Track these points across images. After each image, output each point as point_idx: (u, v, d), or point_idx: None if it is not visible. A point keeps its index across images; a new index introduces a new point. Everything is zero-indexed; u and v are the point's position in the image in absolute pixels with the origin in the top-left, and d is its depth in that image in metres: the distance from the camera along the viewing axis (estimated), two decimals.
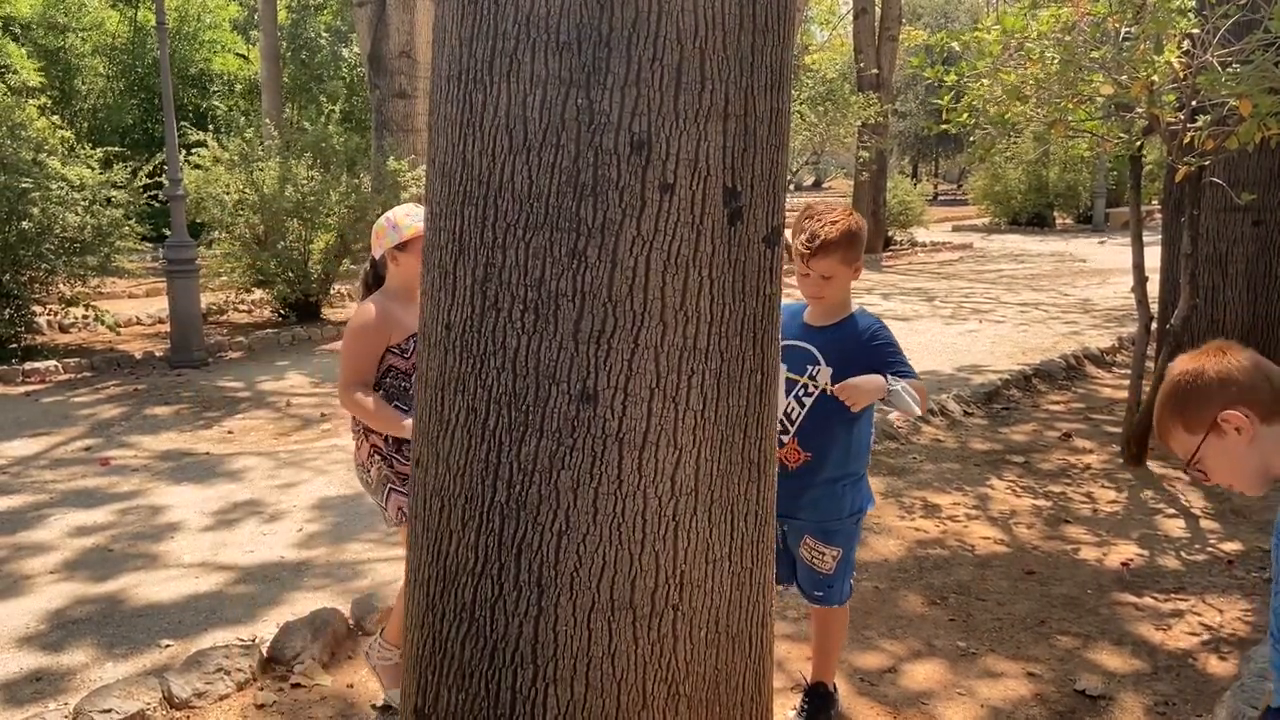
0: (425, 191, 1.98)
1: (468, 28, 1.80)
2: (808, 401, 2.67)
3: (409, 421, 2.72)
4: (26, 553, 4.50)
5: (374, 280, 3.03)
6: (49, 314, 9.84)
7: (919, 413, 2.46)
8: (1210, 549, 4.33)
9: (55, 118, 10.02)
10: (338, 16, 22.98)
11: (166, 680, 3.13)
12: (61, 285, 9.38)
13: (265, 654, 3.36)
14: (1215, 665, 3.32)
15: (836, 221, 2.64)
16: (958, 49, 5.61)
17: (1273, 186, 6.12)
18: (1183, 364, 1.80)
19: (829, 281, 2.68)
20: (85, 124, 18.60)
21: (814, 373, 2.66)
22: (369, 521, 4.87)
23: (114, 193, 9.53)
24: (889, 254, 19.61)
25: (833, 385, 2.58)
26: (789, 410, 2.68)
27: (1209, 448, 1.75)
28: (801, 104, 18.57)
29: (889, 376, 2.48)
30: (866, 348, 2.67)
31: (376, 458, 2.91)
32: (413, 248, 2.86)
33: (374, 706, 3.10)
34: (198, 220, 10.89)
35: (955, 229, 26.60)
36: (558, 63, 1.71)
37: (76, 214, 9.08)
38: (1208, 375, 1.75)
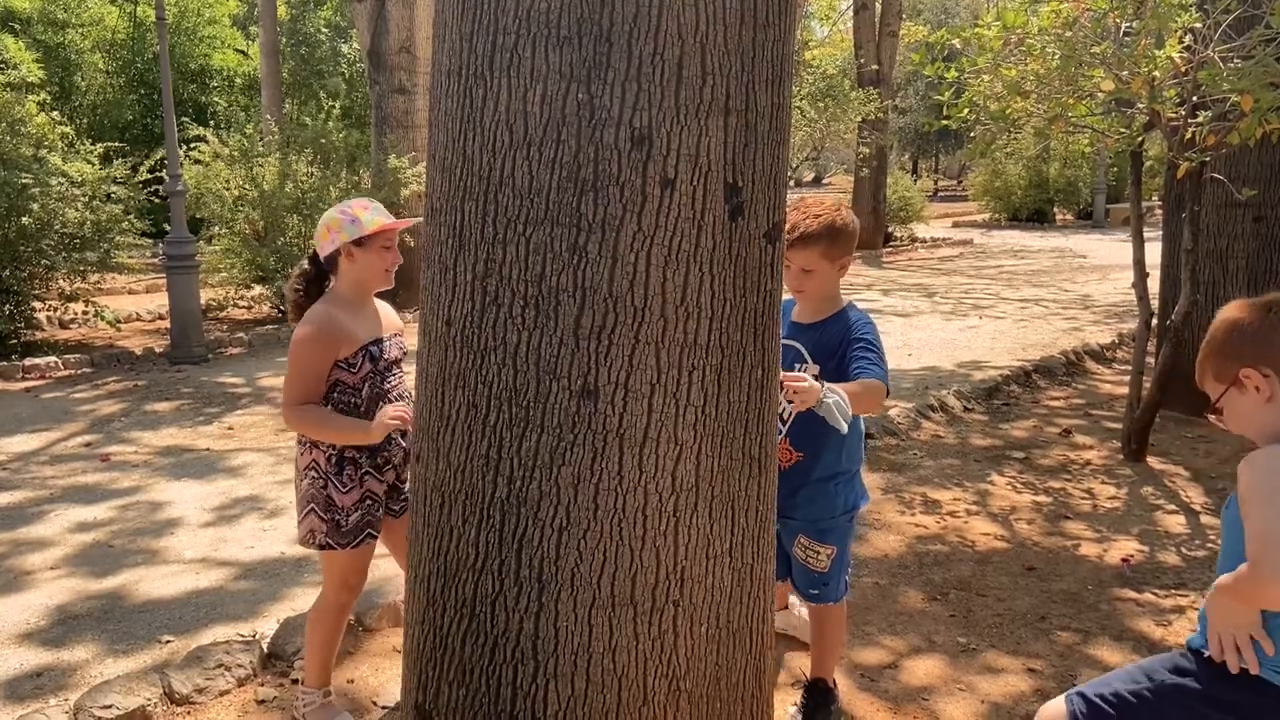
0: (425, 187, 1.98)
1: (468, 23, 1.79)
2: None
3: (372, 423, 2.61)
4: (27, 549, 4.50)
5: (316, 279, 2.80)
6: (49, 310, 9.84)
7: (843, 429, 2.39)
8: (1210, 545, 4.33)
9: (55, 113, 10.00)
10: (337, 12, 22.95)
11: (167, 676, 3.13)
12: (61, 281, 9.38)
13: (266, 650, 3.37)
14: None
15: (820, 215, 2.62)
16: (958, 45, 5.60)
17: (1274, 182, 6.11)
18: (1232, 310, 1.80)
19: (809, 276, 2.65)
20: (85, 120, 18.60)
21: (802, 370, 2.64)
22: None
23: (114, 188, 9.54)
24: (889, 250, 19.61)
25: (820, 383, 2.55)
26: (780, 410, 2.66)
27: (1230, 398, 1.79)
28: (802, 100, 18.56)
29: (826, 388, 2.42)
30: (846, 342, 2.63)
31: (311, 473, 2.73)
32: (372, 244, 2.67)
33: (374, 703, 3.10)
34: (198, 216, 10.89)
35: (955, 225, 26.61)
36: (558, 58, 1.71)
37: (76, 210, 9.08)
38: (1244, 329, 1.76)
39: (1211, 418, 1.86)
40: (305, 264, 2.83)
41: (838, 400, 2.37)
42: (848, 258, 2.71)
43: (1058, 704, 1.97)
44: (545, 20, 1.71)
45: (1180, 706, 1.80)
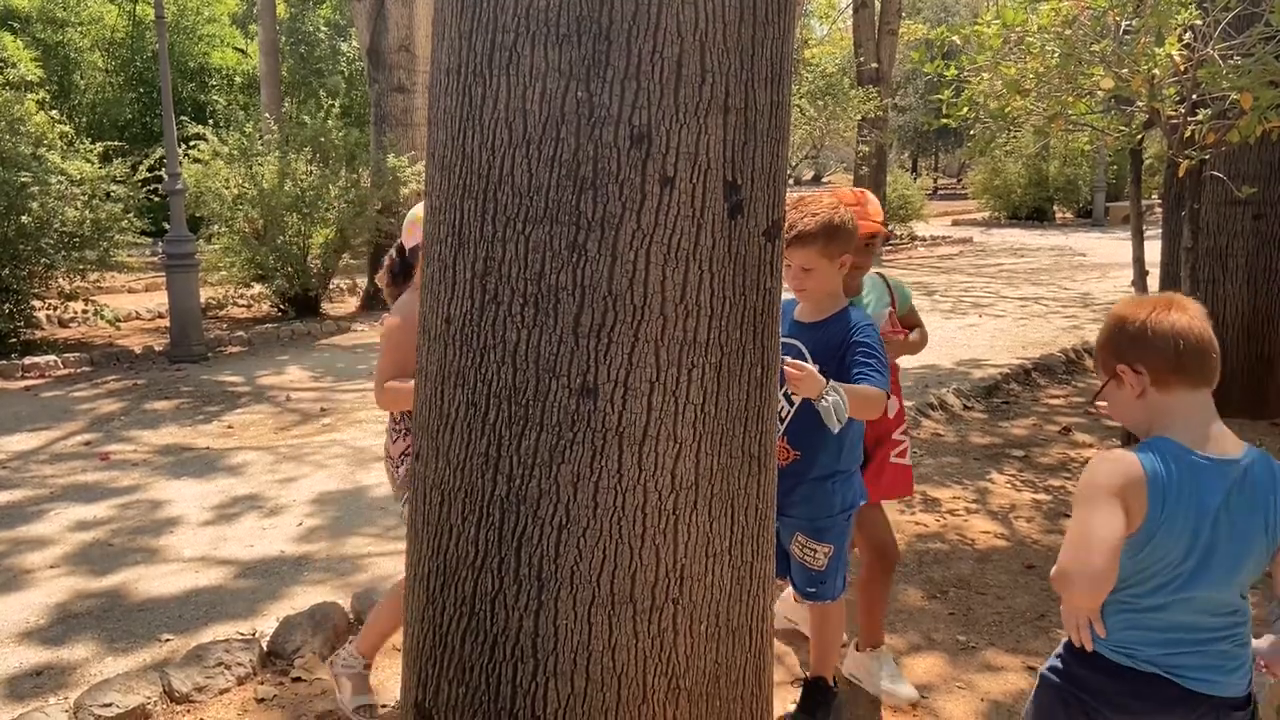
0: (425, 185, 1.98)
1: (467, 20, 1.79)
2: (797, 400, 2.64)
3: None
4: (26, 547, 4.50)
5: (400, 269, 2.94)
6: (48, 309, 9.85)
7: (834, 429, 2.44)
8: None
9: (54, 112, 10.00)
10: (336, 10, 22.94)
11: (167, 674, 3.13)
12: (61, 280, 9.38)
13: (265, 648, 3.37)
14: None
15: (817, 214, 2.63)
16: (958, 43, 5.59)
17: (1273, 180, 6.11)
18: (1121, 306, 1.89)
19: (809, 274, 2.66)
20: (84, 118, 18.60)
21: None
22: (369, 516, 4.88)
23: (113, 187, 9.53)
24: (889, 248, 19.60)
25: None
26: (779, 408, 2.66)
27: (1109, 391, 1.89)
28: (801, 98, 18.56)
29: (830, 384, 2.42)
30: (846, 344, 2.63)
31: (409, 458, 2.86)
32: None
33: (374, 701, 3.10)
34: (197, 215, 10.88)
35: (955, 223, 26.61)
36: (557, 55, 1.71)
37: (76, 208, 9.08)
38: (1126, 327, 1.84)
39: (1099, 404, 1.95)
40: (393, 254, 2.96)
41: (837, 401, 2.39)
42: (848, 255, 2.70)
43: None
44: (544, 18, 1.71)
45: (1050, 686, 1.94)
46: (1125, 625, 1.82)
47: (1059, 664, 1.94)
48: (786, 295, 2.73)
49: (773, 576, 2.11)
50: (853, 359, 2.60)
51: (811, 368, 2.43)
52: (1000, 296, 12.84)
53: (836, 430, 2.42)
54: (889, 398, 2.62)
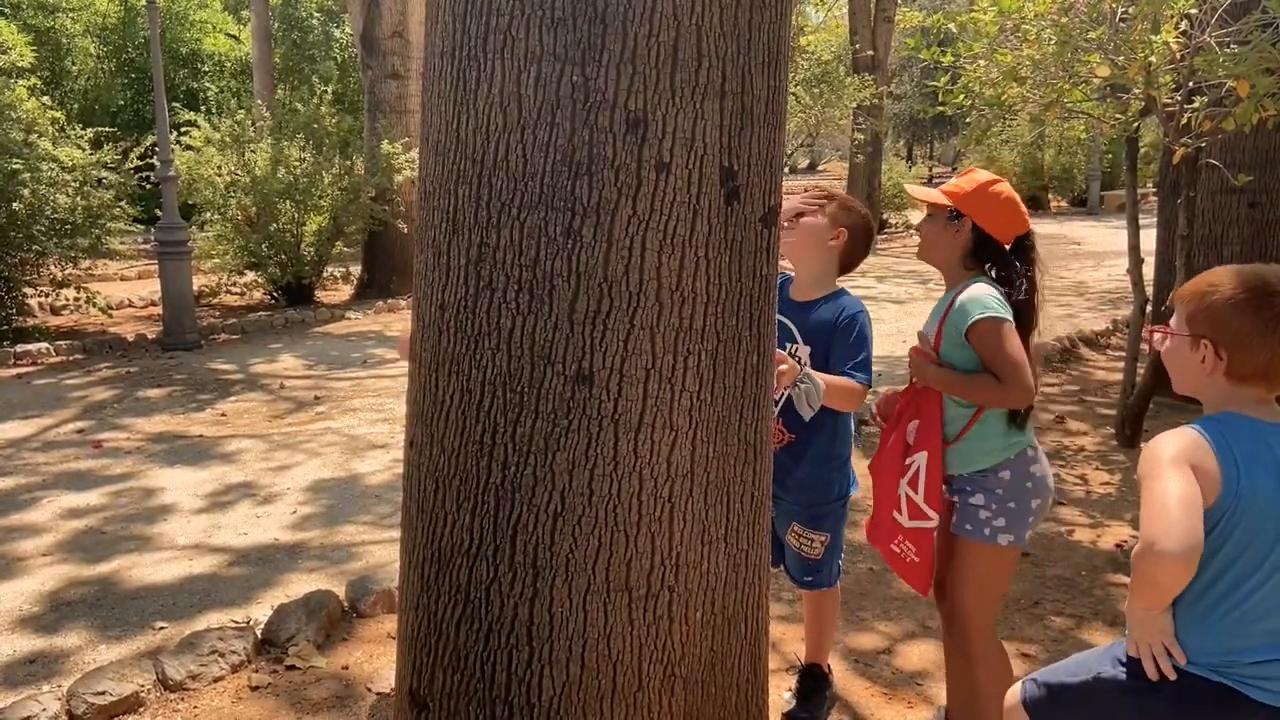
0: (419, 170, 1.96)
1: (461, 2, 1.77)
2: None
3: None
4: (19, 535, 4.49)
5: None
6: (40, 296, 9.80)
7: (805, 416, 2.52)
8: None
9: (45, 98, 9.93)
10: None
11: (160, 662, 3.12)
12: (52, 267, 9.35)
13: (260, 636, 3.36)
14: None
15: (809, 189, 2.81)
16: (954, 30, 5.58)
17: (1269, 168, 6.11)
18: (1257, 277, 1.72)
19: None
20: (76, 105, 18.46)
21: (793, 350, 2.65)
22: (363, 504, 4.87)
23: (105, 174, 9.48)
24: (883, 237, 19.60)
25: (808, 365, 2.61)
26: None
27: (1179, 344, 1.79)
28: (797, 86, 18.50)
29: (804, 372, 2.47)
30: (833, 328, 2.65)
31: None
32: None
33: (369, 688, 3.10)
34: (189, 202, 10.83)
35: None
36: (552, 39, 1.69)
37: (67, 195, 9.03)
38: (1238, 306, 1.70)
39: (1151, 333, 1.85)
40: None
41: (809, 389, 2.45)
42: (843, 231, 2.85)
43: (1017, 687, 2.00)
44: (539, 1, 1.69)
45: (1108, 695, 1.80)
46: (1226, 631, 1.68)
47: (1123, 673, 1.77)
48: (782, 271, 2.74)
49: (768, 564, 2.11)
50: (837, 349, 2.63)
51: (788, 357, 2.45)
52: None
53: (808, 418, 2.51)
54: (869, 390, 2.63)
